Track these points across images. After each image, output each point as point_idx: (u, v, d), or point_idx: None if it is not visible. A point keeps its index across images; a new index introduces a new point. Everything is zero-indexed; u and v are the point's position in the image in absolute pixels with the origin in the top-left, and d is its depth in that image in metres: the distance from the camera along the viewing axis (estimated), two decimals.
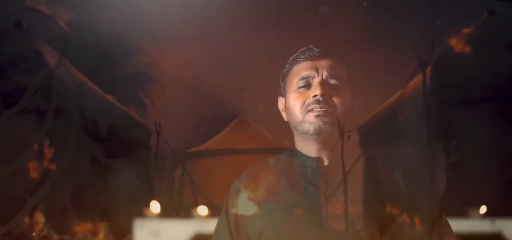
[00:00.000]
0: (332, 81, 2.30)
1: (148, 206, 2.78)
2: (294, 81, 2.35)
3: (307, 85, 2.31)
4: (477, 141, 2.26)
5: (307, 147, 2.35)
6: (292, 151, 2.41)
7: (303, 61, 2.34)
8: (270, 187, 2.28)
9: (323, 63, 2.31)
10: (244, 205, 2.29)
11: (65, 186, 2.70)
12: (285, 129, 2.60)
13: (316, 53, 2.32)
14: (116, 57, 3.64)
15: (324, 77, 2.29)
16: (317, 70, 2.30)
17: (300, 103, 2.30)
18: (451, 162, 2.17)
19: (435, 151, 2.16)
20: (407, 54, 2.34)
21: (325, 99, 2.26)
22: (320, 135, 2.28)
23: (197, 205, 2.63)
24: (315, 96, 2.27)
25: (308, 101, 2.29)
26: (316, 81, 2.28)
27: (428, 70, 2.25)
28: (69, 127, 2.66)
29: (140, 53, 3.83)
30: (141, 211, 3.02)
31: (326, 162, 2.33)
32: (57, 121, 2.65)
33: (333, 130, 2.27)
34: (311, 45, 2.35)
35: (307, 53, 2.34)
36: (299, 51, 2.41)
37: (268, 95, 2.77)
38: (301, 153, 2.35)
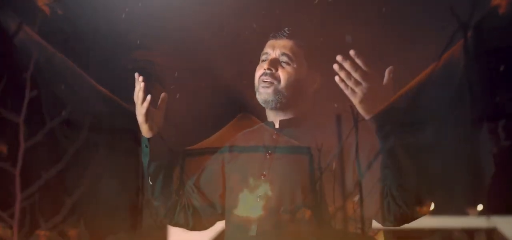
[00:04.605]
0: (283, 58, 2.68)
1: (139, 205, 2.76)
2: (260, 55, 2.79)
3: (265, 60, 2.72)
4: None
5: (268, 115, 2.80)
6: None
7: (269, 40, 2.76)
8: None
9: (280, 43, 2.70)
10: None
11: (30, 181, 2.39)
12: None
13: (278, 34, 2.72)
14: (115, 51, 3.42)
15: (276, 55, 2.68)
16: (274, 48, 2.70)
17: (258, 74, 2.73)
18: (501, 146, 1.84)
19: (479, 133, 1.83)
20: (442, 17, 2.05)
21: (271, 73, 2.66)
22: (267, 104, 2.69)
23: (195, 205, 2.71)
24: (264, 69, 2.68)
25: (260, 73, 2.71)
26: (269, 58, 2.69)
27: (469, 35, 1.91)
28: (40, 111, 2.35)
29: (139, 47, 3.62)
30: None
31: (277, 125, 2.73)
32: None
33: (275, 99, 2.66)
34: (286, 28, 2.73)
35: (273, 34, 2.75)
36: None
37: None
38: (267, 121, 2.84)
